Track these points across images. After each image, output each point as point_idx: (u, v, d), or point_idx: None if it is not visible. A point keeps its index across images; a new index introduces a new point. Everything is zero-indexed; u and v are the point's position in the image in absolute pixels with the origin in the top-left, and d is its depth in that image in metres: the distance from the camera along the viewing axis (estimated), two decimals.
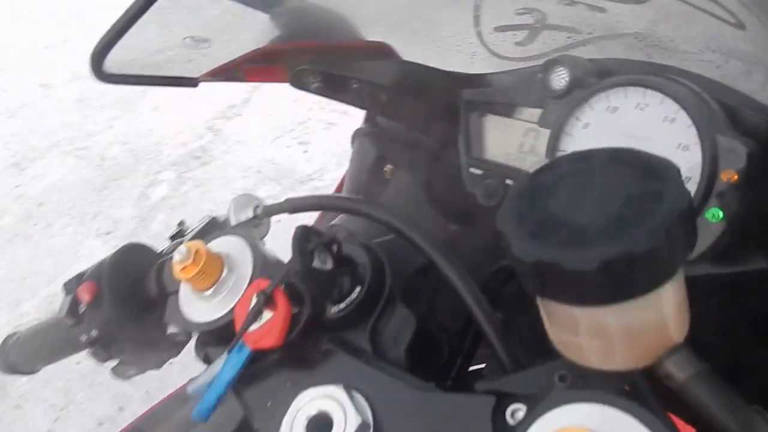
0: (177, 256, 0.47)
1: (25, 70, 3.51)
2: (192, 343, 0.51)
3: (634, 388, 0.34)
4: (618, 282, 0.27)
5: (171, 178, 2.52)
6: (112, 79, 0.56)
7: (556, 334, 0.33)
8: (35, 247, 2.24)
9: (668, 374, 0.30)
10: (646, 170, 0.30)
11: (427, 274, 0.50)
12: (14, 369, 0.68)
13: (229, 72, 0.58)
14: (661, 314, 0.30)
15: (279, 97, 2.79)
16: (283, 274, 0.44)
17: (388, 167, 0.78)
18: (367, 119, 0.82)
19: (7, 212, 2.55)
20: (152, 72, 0.56)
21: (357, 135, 0.83)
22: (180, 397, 0.82)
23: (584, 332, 0.31)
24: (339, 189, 0.82)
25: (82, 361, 1.71)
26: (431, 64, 0.63)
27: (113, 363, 0.59)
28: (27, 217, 2.49)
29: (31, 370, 0.69)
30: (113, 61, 0.56)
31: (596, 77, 0.54)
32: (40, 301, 1.97)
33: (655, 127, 0.49)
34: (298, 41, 0.59)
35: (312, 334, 0.44)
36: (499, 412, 0.36)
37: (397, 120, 0.70)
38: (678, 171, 0.30)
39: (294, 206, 0.52)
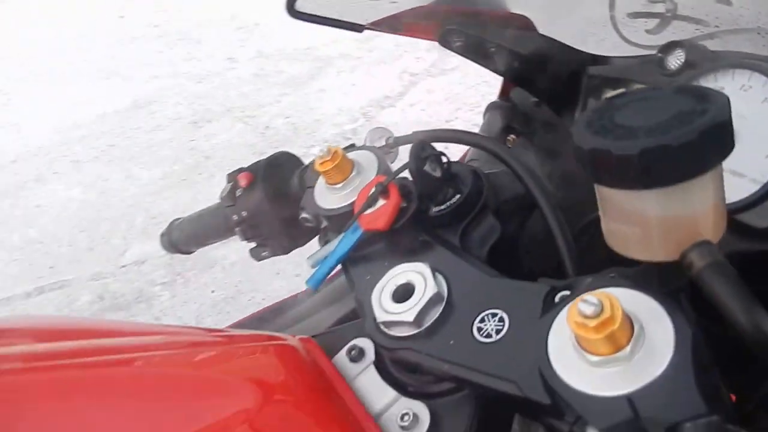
0: (319, 153, 0.59)
1: (218, 45, 3.92)
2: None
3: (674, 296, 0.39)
4: (655, 169, 0.34)
5: None
6: (300, 16, 0.68)
7: (607, 223, 0.39)
8: (197, 192, 2.54)
9: (690, 262, 0.36)
10: (702, 97, 0.36)
11: (521, 203, 0.57)
12: (175, 248, 0.83)
13: (390, 23, 0.68)
14: (694, 208, 0.36)
15: (431, 95, 2.92)
16: (399, 171, 0.54)
17: (512, 137, 0.86)
18: (501, 94, 0.90)
19: (179, 160, 2.90)
20: (329, 14, 0.68)
21: (489, 108, 0.92)
22: (295, 300, 0.94)
23: (627, 219, 0.37)
24: (463, 158, 0.91)
25: (216, 290, 1.92)
26: (564, 41, 0.70)
27: (252, 245, 0.72)
28: (195, 166, 2.82)
29: (187, 250, 0.84)
30: (302, 4, 0.70)
31: (710, 62, 0.59)
32: None
33: (754, 108, 0.53)
34: (452, 5, 0.68)
35: (413, 226, 0.54)
36: (550, 297, 0.43)
37: (526, 87, 0.77)
38: (727, 99, 0.36)
39: (420, 138, 0.62)
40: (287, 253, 0.70)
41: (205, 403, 0.47)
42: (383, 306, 0.49)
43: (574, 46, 0.70)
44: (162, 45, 3.91)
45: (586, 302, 0.35)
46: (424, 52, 3.41)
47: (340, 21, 0.67)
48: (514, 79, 0.78)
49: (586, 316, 0.34)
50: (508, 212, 0.58)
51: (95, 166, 2.93)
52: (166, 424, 0.46)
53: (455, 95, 2.82)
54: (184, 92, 3.46)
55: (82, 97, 3.45)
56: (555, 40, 0.70)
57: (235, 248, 2.33)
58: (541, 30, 0.71)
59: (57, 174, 2.90)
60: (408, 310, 0.47)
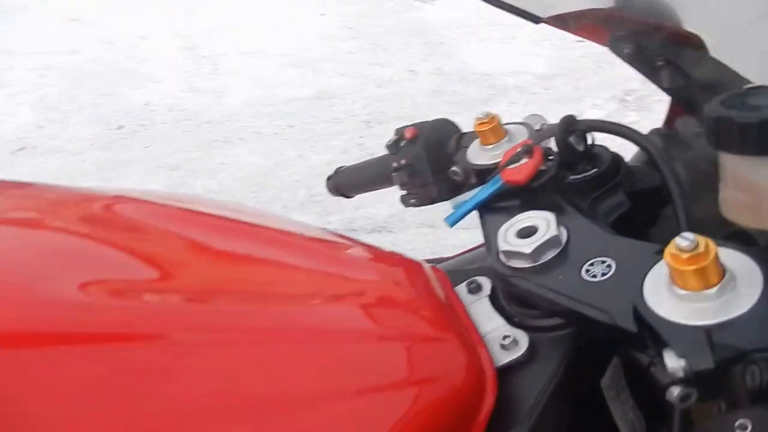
0: (478, 115, 0.68)
1: (402, 56, 4.14)
2: None
3: None
4: None
5: None
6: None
7: (724, 191, 0.44)
8: None
9: None
10: None
11: (656, 196, 0.62)
12: (338, 191, 0.96)
13: (566, 20, 0.75)
14: None
15: None
16: (545, 135, 0.61)
17: None
18: (666, 122, 0.93)
19: (347, 152, 3.12)
20: (511, 2, 0.76)
21: (650, 133, 0.95)
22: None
23: (743, 187, 0.42)
24: None
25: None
26: (734, 68, 0.73)
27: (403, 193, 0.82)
28: (359, 160, 3.02)
29: (348, 195, 0.96)
30: None
31: None
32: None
33: None
34: (628, 13, 0.74)
35: (549, 187, 0.60)
36: (658, 252, 0.48)
37: (689, 111, 0.81)
38: None
39: (570, 124, 0.69)
40: (432, 204, 0.79)
41: (334, 291, 0.56)
42: (507, 240, 0.56)
43: (744, 76, 0.72)
44: (352, 47, 4.20)
45: (683, 237, 0.40)
46: (603, 101, 3.38)
47: (519, 9, 0.75)
48: (677, 98, 0.81)
49: (681, 249, 0.40)
50: (642, 201, 0.63)
51: (274, 140, 3.24)
52: (297, 302, 0.55)
53: (625, 151, 2.78)
54: (363, 92, 3.70)
55: (275, 80, 3.81)
56: (725, 66, 0.73)
57: (374, 240, 2.48)
58: (712, 53, 0.75)
59: (242, 140, 3.24)
60: (527, 245, 0.54)
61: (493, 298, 0.60)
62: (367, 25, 4.50)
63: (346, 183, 0.93)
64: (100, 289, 0.46)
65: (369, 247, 0.66)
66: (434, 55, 4.09)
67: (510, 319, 0.57)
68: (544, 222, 0.56)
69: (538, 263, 0.53)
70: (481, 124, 0.67)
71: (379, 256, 0.64)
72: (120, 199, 0.59)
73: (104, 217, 0.56)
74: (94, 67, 4.01)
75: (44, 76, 3.91)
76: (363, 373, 0.46)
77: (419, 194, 0.79)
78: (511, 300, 0.58)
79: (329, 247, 0.63)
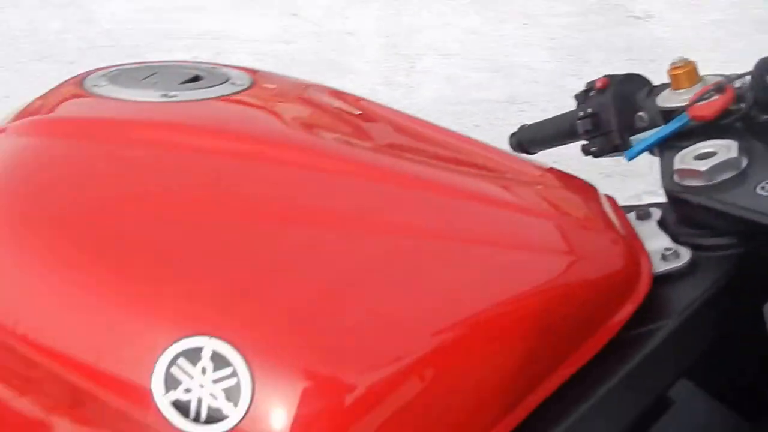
0: (674, 60, 0.70)
1: (603, 71, 4.04)
2: None
3: None
4: None
5: None
6: None
7: None
8: None
9: None
10: None
11: None
12: (521, 147, 1.01)
13: None
14: None
15: None
16: (740, 75, 0.62)
17: None
18: None
19: None
20: None
21: None
22: None
23: None
24: None
25: None
26: None
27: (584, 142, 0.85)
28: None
29: (530, 150, 1.01)
30: None
31: None
32: None
33: None
34: None
35: (738, 125, 0.61)
36: None
37: None
38: None
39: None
40: (613, 153, 0.82)
41: (518, 178, 0.63)
42: (684, 161, 0.58)
43: None
44: (551, 56, 4.19)
45: None
46: None
47: None
48: None
49: None
50: None
51: None
52: (485, 178, 0.63)
53: None
54: (554, 101, 3.65)
55: (467, 81, 3.92)
56: None
57: None
58: None
59: None
60: (704, 164, 0.56)
61: (662, 224, 0.62)
62: (571, 37, 4.44)
63: (529, 138, 0.98)
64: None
65: (547, 169, 0.72)
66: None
67: (676, 239, 0.59)
68: (725, 148, 0.57)
69: (712, 182, 0.55)
70: (676, 68, 0.69)
71: (558, 172, 0.69)
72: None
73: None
74: (304, 56, 4.40)
75: (262, 60, 4.36)
76: (535, 238, 0.52)
77: (600, 143, 0.82)
78: (679, 223, 0.60)
79: (512, 155, 0.70)
